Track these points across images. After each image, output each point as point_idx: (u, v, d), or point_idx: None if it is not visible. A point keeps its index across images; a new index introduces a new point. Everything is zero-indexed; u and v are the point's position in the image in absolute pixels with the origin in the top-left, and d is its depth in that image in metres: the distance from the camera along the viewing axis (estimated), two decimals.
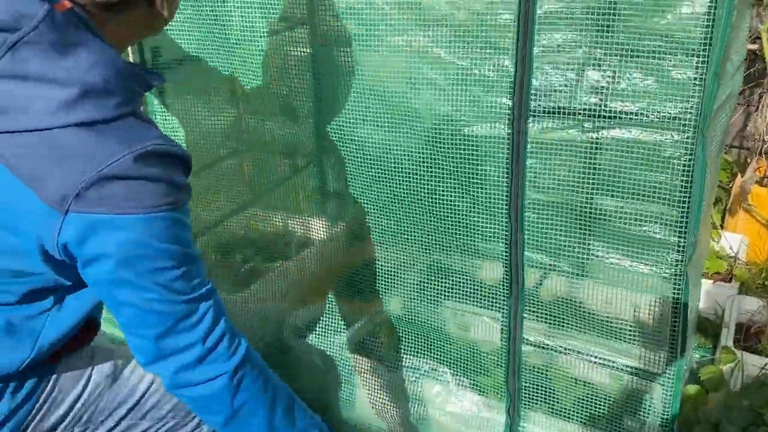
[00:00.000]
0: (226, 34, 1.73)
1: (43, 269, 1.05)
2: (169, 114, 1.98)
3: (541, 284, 1.58)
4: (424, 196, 1.61)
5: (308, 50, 1.90)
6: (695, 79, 1.20)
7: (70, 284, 1.11)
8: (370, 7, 1.44)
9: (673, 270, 1.33)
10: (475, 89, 1.39)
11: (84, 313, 1.17)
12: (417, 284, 2.19)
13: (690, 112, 1.22)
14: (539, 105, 1.30)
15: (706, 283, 2.45)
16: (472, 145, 1.46)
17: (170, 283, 1.02)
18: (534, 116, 1.31)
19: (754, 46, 2.46)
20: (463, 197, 1.58)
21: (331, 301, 2.15)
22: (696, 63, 1.19)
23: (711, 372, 1.98)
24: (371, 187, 1.70)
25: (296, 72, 1.89)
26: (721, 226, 2.86)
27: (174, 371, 1.08)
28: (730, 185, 2.85)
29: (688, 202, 1.27)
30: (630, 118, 1.28)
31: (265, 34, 1.75)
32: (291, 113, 2.05)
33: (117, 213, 0.95)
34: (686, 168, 1.26)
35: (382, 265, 1.91)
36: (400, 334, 1.98)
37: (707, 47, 1.17)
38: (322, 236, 2.26)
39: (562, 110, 1.32)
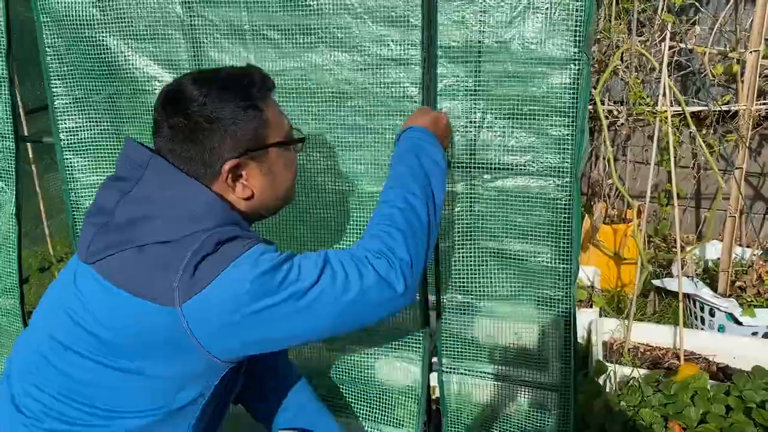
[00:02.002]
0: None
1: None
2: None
3: (453, 320, 1.78)
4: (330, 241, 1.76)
5: None
6: (568, 135, 1.50)
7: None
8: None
9: (563, 292, 1.61)
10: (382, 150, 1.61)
11: None
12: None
13: (566, 161, 1.52)
14: (448, 161, 1.54)
15: None
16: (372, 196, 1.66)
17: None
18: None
19: (590, 107, 2.93)
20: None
21: None
22: (567, 122, 1.50)
23: (589, 383, 2.29)
24: (272, 236, 1.81)
25: None
26: None
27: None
28: None
29: (571, 234, 1.55)
30: (519, 169, 1.55)
31: None
32: None
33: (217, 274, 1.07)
34: (566, 207, 1.55)
35: None
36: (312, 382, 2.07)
37: (575, 109, 1.48)
38: None
39: (463, 165, 1.58)
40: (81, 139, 1.84)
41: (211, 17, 1.62)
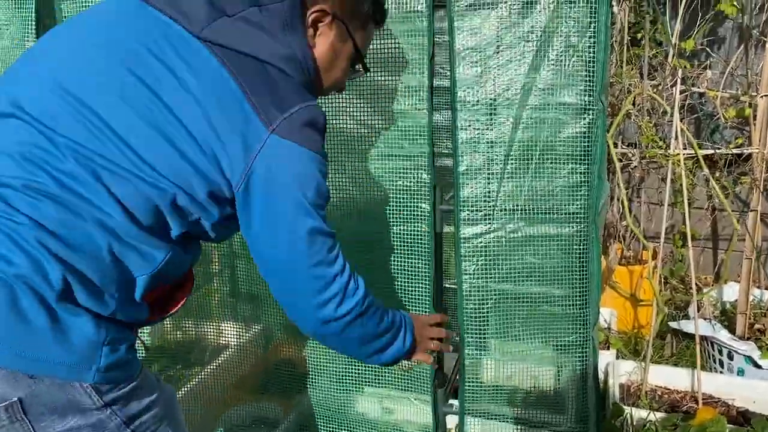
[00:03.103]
0: None
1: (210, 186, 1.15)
2: None
3: (471, 363, 1.80)
4: None
5: None
6: (585, 181, 1.54)
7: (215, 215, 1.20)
8: None
9: (582, 337, 1.62)
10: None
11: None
12: (338, 374, 2.33)
13: (584, 207, 1.55)
14: (469, 208, 1.58)
15: None
16: (400, 240, 1.71)
17: (320, 212, 1.20)
18: (465, 223, 1.59)
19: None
20: (387, 288, 1.80)
21: (255, 403, 2.21)
22: (584, 168, 1.54)
23: (606, 426, 2.27)
24: None
25: None
26: None
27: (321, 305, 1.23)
28: None
29: (589, 279, 1.58)
30: (538, 215, 1.59)
31: None
32: None
33: (305, 146, 1.15)
34: (584, 252, 1.58)
35: (301, 362, 2.05)
36: (327, 425, 2.09)
37: (592, 156, 1.52)
38: (238, 340, 2.34)
39: (482, 210, 1.62)
40: None
41: None
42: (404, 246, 1.71)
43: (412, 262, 1.72)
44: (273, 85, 1.16)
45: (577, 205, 1.56)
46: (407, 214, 1.69)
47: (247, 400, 2.29)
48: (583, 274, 1.58)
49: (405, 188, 1.67)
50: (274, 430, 2.40)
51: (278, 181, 1.15)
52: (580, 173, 1.54)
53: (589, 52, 1.48)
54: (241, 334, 2.34)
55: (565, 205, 1.56)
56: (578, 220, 1.56)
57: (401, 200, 1.69)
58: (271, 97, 1.14)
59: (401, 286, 1.76)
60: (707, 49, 3.25)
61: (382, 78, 1.62)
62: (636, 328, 3.26)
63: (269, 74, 1.17)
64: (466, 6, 1.52)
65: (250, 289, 2.38)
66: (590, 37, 1.47)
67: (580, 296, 1.60)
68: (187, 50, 1.13)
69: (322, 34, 1.28)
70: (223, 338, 2.38)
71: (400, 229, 1.72)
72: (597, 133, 1.51)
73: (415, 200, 1.67)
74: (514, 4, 1.49)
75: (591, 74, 1.48)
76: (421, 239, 1.69)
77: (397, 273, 1.75)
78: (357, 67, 1.40)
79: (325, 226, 1.21)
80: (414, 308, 1.76)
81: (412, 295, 1.75)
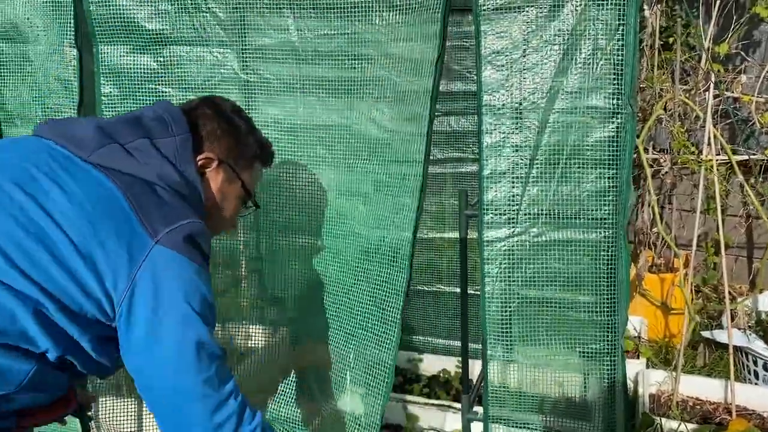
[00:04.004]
0: None
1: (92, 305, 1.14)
2: None
3: (496, 369, 1.78)
4: (366, 298, 1.79)
5: None
6: (613, 186, 1.52)
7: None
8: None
9: (609, 344, 1.59)
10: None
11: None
12: (365, 380, 2.32)
13: (611, 212, 1.53)
14: (493, 212, 1.57)
15: None
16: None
17: (208, 331, 1.18)
18: (488, 226, 1.58)
19: (633, 155, 2.93)
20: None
21: (284, 401, 2.21)
22: (612, 174, 1.51)
23: None
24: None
25: None
26: None
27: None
28: None
29: (617, 285, 1.55)
30: (565, 220, 1.57)
31: None
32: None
33: (189, 257, 1.18)
34: (612, 257, 1.55)
35: (327, 366, 2.04)
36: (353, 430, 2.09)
37: (620, 161, 1.50)
38: (266, 343, 2.35)
39: (508, 215, 1.60)
40: None
41: (266, 74, 1.71)
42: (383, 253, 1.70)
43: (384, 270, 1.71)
44: (160, 202, 1.21)
45: (605, 210, 1.53)
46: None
47: (273, 404, 2.30)
48: (610, 281, 1.55)
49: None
50: None
51: (163, 290, 1.14)
52: (608, 178, 1.52)
53: (618, 55, 1.46)
54: (268, 337, 2.36)
55: (592, 210, 1.54)
56: (606, 225, 1.53)
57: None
58: (158, 213, 1.19)
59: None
60: (742, 52, 3.19)
61: (393, 80, 1.62)
62: (667, 337, 3.20)
63: (157, 193, 1.22)
64: (493, 9, 1.50)
65: (274, 292, 2.40)
66: (618, 40, 1.44)
67: (607, 303, 1.57)
68: (76, 169, 1.19)
69: (210, 178, 1.38)
70: (252, 341, 2.40)
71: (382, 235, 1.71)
72: (626, 137, 1.49)
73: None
74: (542, 7, 1.48)
75: (620, 77, 1.46)
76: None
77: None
78: (248, 204, 1.50)
79: (214, 341, 1.18)
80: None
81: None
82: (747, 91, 3.16)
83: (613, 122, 1.49)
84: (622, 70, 1.46)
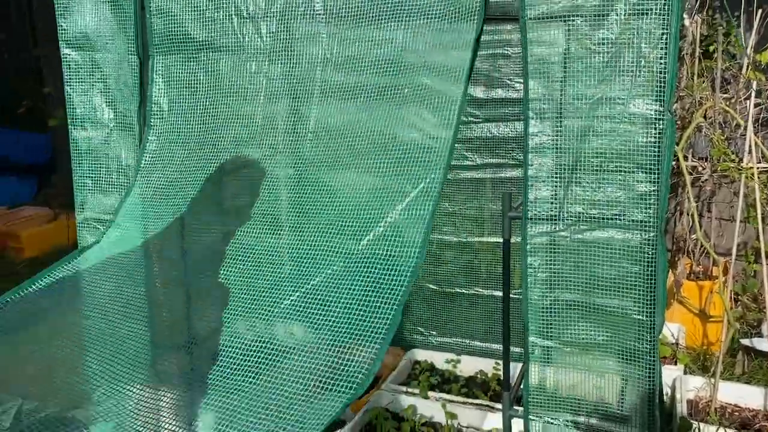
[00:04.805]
0: None
1: None
2: None
3: (537, 370, 1.82)
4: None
5: None
6: (653, 190, 1.56)
7: None
8: None
9: (648, 345, 1.63)
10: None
11: None
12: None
13: (651, 216, 1.57)
14: (536, 213, 1.63)
15: None
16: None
17: None
18: (532, 222, 1.63)
19: (673, 162, 2.94)
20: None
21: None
22: (652, 178, 1.56)
23: None
24: None
25: None
26: None
27: None
28: None
29: (656, 287, 1.59)
30: (605, 222, 1.61)
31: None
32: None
33: None
34: (651, 260, 1.59)
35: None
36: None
37: (660, 166, 1.54)
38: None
39: (549, 218, 1.65)
40: None
41: (307, 82, 1.80)
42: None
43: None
44: None
45: (646, 213, 1.57)
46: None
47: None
48: (650, 283, 1.59)
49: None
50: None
51: None
52: (649, 182, 1.56)
53: (660, 63, 1.50)
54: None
55: (631, 213, 1.58)
56: (645, 228, 1.58)
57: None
58: None
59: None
60: None
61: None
62: (705, 345, 3.20)
63: None
64: (539, 18, 1.57)
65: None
66: (661, 49, 1.49)
67: (646, 305, 1.61)
68: None
69: None
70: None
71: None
72: (666, 143, 1.53)
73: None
74: (586, 16, 1.53)
75: (661, 85, 1.51)
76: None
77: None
78: None
79: None
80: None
81: None
82: None
83: (654, 128, 1.54)
84: (664, 78, 1.51)
